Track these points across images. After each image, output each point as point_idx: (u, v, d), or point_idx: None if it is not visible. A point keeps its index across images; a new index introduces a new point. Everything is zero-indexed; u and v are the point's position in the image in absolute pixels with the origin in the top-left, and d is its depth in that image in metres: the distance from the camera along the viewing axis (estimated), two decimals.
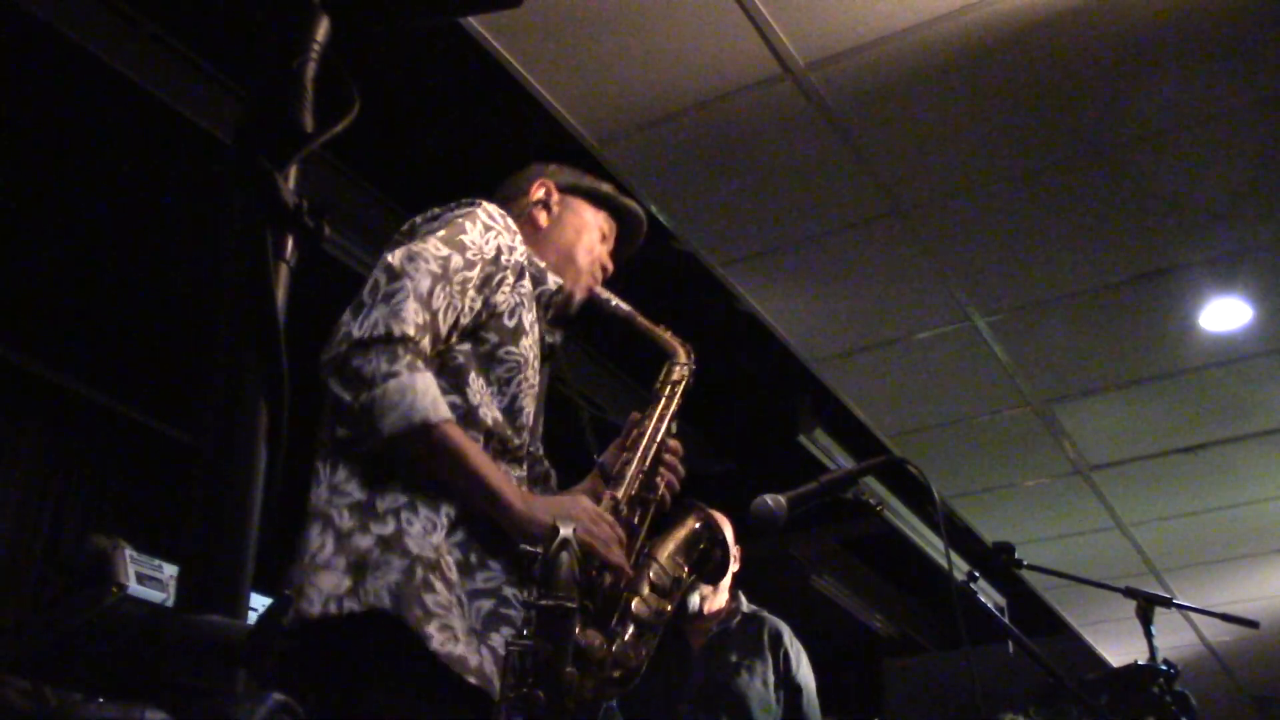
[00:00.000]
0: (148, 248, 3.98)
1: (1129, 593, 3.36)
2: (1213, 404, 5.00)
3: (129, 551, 2.74)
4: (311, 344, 1.69)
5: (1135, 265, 4.14)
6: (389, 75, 3.34)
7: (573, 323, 2.13)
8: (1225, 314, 4.41)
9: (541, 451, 1.94)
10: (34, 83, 3.31)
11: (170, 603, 2.72)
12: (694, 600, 3.38)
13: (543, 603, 1.32)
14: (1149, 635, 3.29)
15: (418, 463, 1.67)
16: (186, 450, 4.65)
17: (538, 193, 2.10)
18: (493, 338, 1.81)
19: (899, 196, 3.81)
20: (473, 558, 1.69)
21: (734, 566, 3.52)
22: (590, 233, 2.11)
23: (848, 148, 3.59)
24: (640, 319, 2.14)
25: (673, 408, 2.06)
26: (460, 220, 1.83)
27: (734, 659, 3.36)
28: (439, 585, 1.61)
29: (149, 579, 2.72)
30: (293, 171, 1.00)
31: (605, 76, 3.32)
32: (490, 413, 1.77)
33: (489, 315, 1.81)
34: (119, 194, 3.75)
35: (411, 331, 1.65)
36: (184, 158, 3.48)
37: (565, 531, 1.34)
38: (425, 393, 1.62)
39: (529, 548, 1.35)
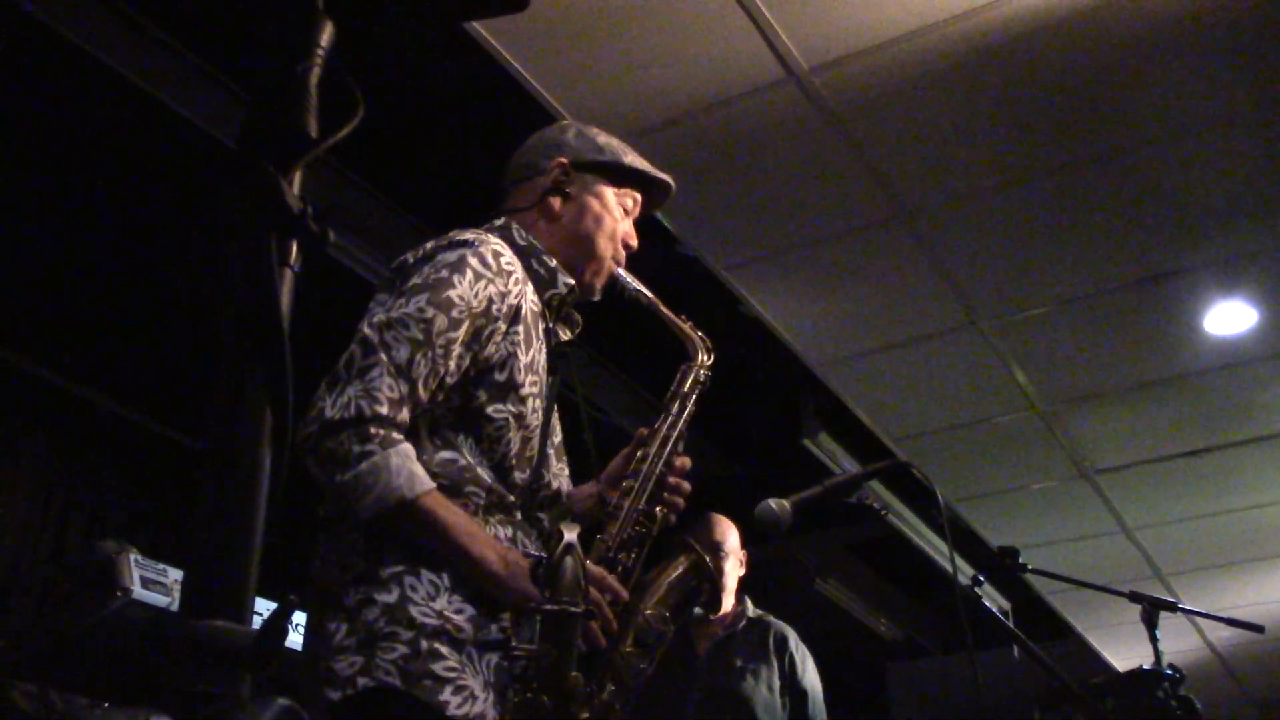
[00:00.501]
0: (153, 253, 3.98)
1: (1134, 597, 3.36)
2: (1218, 408, 5.00)
3: (134, 556, 2.74)
4: (316, 349, 1.69)
5: (1140, 269, 4.13)
6: (393, 80, 3.34)
7: (589, 311, 2.06)
8: (1230, 317, 4.40)
9: (547, 476, 1.87)
10: (38, 88, 3.32)
11: (174, 607, 2.72)
12: (698, 608, 3.36)
13: (547, 607, 1.31)
14: (1154, 640, 3.28)
15: (401, 536, 1.66)
16: (191, 455, 4.66)
17: (553, 174, 1.99)
18: (481, 395, 1.76)
19: (904, 200, 3.81)
20: (483, 610, 1.68)
21: (740, 571, 3.52)
22: (610, 215, 2.00)
23: (852, 151, 3.59)
24: (663, 308, 2.04)
25: (681, 424, 1.99)
26: (448, 273, 1.74)
27: (739, 663, 3.35)
28: (446, 650, 1.61)
29: (153, 583, 2.72)
30: (297, 176, 1.00)
31: (610, 80, 3.32)
32: (484, 471, 1.75)
33: (477, 371, 1.76)
34: (123, 199, 3.75)
35: (385, 410, 1.62)
36: (188, 163, 3.48)
37: (570, 536, 1.33)
38: (400, 469, 1.60)
39: (534, 552, 1.34)
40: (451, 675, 1.60)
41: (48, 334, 4.34)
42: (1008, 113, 3.43)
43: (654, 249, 2.27)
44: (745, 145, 3.57)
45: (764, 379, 5.01)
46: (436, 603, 1.63)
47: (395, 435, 1.63)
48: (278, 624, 0.82)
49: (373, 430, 1.60)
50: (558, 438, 1.95)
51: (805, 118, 3.45)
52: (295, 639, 1.90)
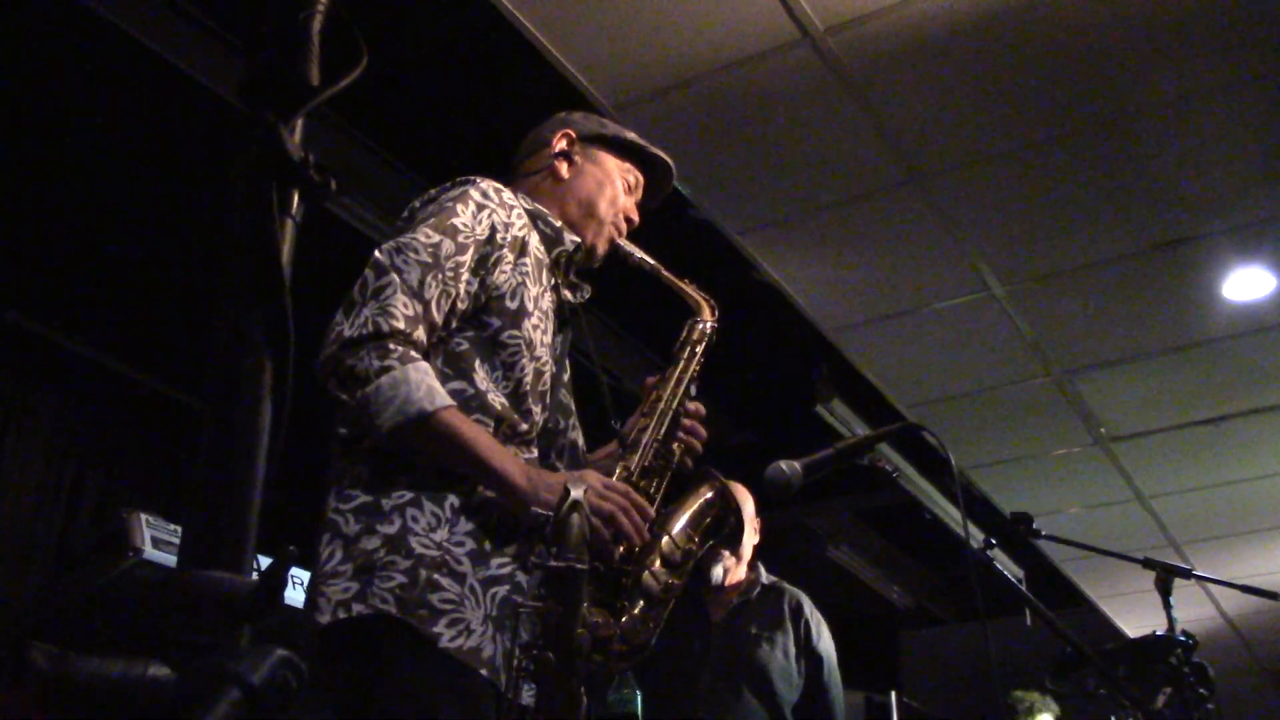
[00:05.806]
0: (161, 210, 3.97)
1: (1148, 564, 3.34)
2: (1235, 375, 4.96)
3: (144, 516, 2.76)
4: (319, 304, 1.69)
5: (1157, 234, 4.09)
6: (399, 36, 3.31)
7: (597, 276, 2.10)
8: (1248, 283, 4.35)
9: (564, 424, 1.91)
10: (37, 42, 3.30)
11: None
12: (716, 572, 3.38)
13: (552, 564, 1.31)
14: (1168, 607, 3.26)
15: (421, 452, 1.68)
16: (200, 416, 4.67)
17: (559, 144, 2.07)
18: (495, 322, 1.80)
19: (918, 164, 3.77)
20: (486, 545, 1.69)
21: (754, 539, 3.51)
22: (613, 184, 2.08)
23: (866, 114, 3.55)
24: (665, 272, 2.11)
25: (691, 370, 2.04)
26: (451, 204, 1.81)
27: (754, 631, 3.36)
28: (445, 581, 1.62)
29: (164, 543, 2.74)
30: (299, 126, 0.99)
31: (621, 40, 3.28)
32: (497, 398, 1.77)
33: (488, 298, 1.80)
34: (126, 155, 3.73)
35: (401, 325, 1.65)
36: (191, 116, 3.46)
37: (576, 493, 1.33)
38: (420, 383, 1.62)
39: (539, 510, 1.34)
40: (448, 608, 1.61)
41: (60, 297, 4.35)
42: (1023, 76, 3.38)
43: (666, 213, 2.27)
44: (758, 108, 3.53)
45: (777, 345, 4.99)
46: (437, 534, 1.65)
47: (413, 353, 1.65)
48: (276, 575, 0.81)
49: (391, 346, 1.63)
50: (572, 401, 1.97)
51: (819, 80, 3.41)
52: (294, 594, 1.92)
